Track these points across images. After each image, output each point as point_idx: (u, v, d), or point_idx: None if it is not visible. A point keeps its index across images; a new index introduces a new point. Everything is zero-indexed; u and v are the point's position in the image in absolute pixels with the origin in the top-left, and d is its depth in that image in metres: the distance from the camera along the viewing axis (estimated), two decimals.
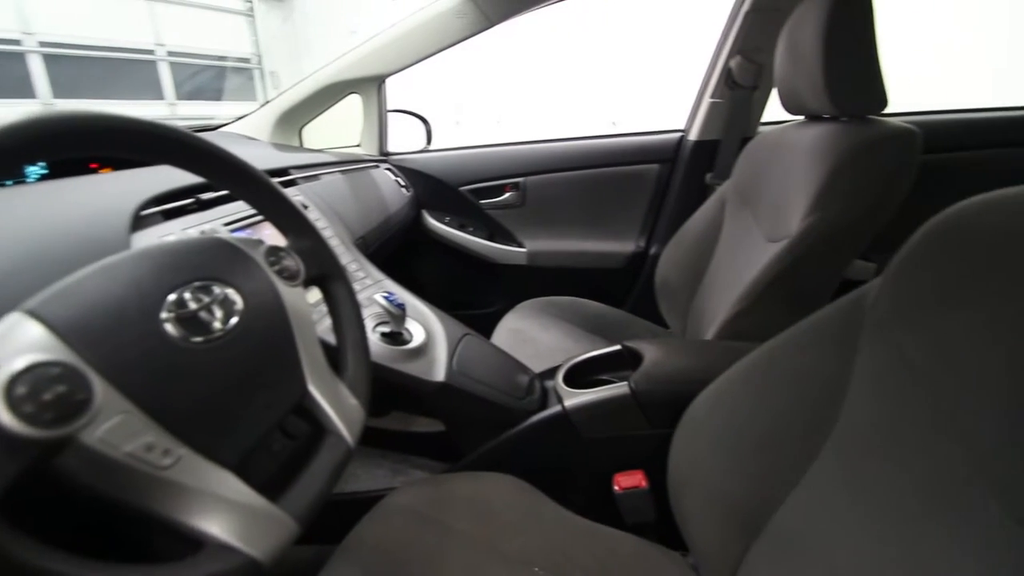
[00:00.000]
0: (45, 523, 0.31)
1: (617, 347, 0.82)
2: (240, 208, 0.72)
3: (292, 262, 0.48)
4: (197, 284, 0.39)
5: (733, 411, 0.55)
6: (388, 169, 1.42)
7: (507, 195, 1.50)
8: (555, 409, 0.75)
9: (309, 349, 0.45)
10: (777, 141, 0.95)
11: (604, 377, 0.79)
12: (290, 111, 1.33)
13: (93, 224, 0.54)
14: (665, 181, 1.44)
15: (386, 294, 0.72)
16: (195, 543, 0.32)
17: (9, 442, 0.26)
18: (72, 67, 5.21)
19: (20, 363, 0.27)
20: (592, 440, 0.74)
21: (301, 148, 1.36)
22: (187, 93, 6.46)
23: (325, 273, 0.52)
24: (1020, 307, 0.34)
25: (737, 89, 1.26)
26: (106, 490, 0.30)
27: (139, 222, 0.59)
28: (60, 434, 0.28)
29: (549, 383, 0.83)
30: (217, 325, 0.38)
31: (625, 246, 1.48)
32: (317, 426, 0.45)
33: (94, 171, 0.69)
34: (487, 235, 1.53)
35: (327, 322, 0.54)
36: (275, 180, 0.52)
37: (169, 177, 0.67)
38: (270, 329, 0.42)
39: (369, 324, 0.75)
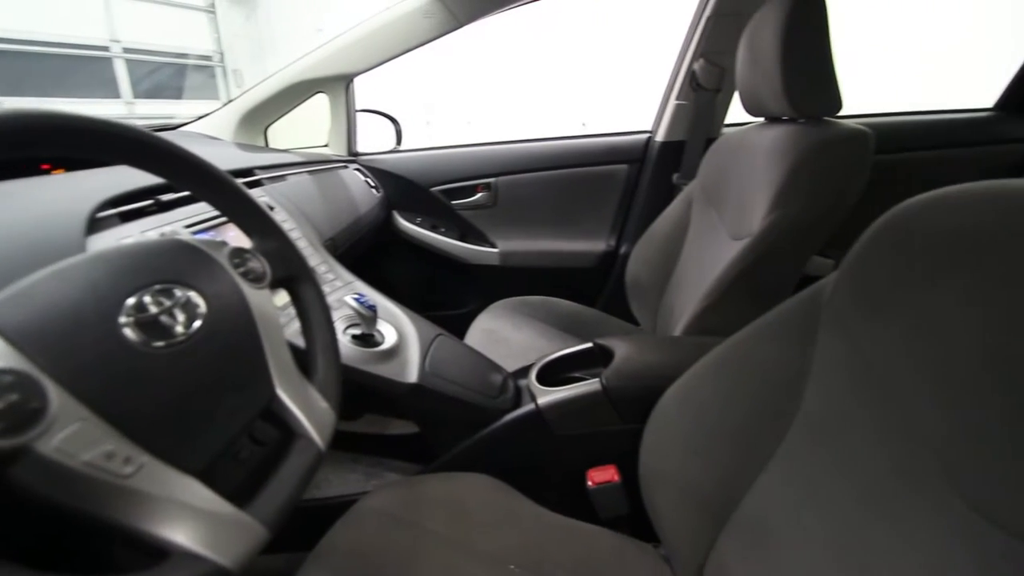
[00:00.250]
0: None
1: (589, 345, 0.83)
2: (203, 209, 0.70)
3: (257, 264, 0.47)
4: (158, 287, 0.38)
5: (700, 404, 0.56)
6: (357, 169, 1.40)
7: (479, 195, 1.50)
8: (528, 407, 0.76)
9: (277, 352, 0.44)
10: (739, 142, 0.98)
11: (576, 375, 0.80)
12: (254, 110, 1.30)
13: (45, 227, 0.52)
14: (634, 181, 1.47)
15: (356, 296, 0.72)
16: (160, 552, 0.31)
17: None
18: (19, 63, 4.95)
19: None
20: (565, 437, 0.75)
21: (266, 148, 1.33)
22: (145, 91, 6.22)
23: (292, 275, 0.51)
24: (960, 299, 0.36)
25: (701, 91, 1.30)
26: (64, 500, 0.29)
27: (95, 225, 0.57)
28: (14, 444, 0.27)
29: (522, 382, 0.83)
30: (179, 329, 0.37)
31: (596, 245, 1.50)
32: (286, 430, 0.44)
33: (46, 172, 0.66)
34: (459, 236, 1.53)
35: (296, 325, 0.53)
36: (239, 181, 0.51)
37: (126, 178, 0.65)
38: (235, 332, 0.41)
39: (340, 326, 0.74)
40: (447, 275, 1.57)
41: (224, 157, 1.07)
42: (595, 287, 1.53)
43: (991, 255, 0.36)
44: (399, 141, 1.55)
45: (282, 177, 1.01)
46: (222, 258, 0.44)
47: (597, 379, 0.74)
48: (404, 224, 1.51)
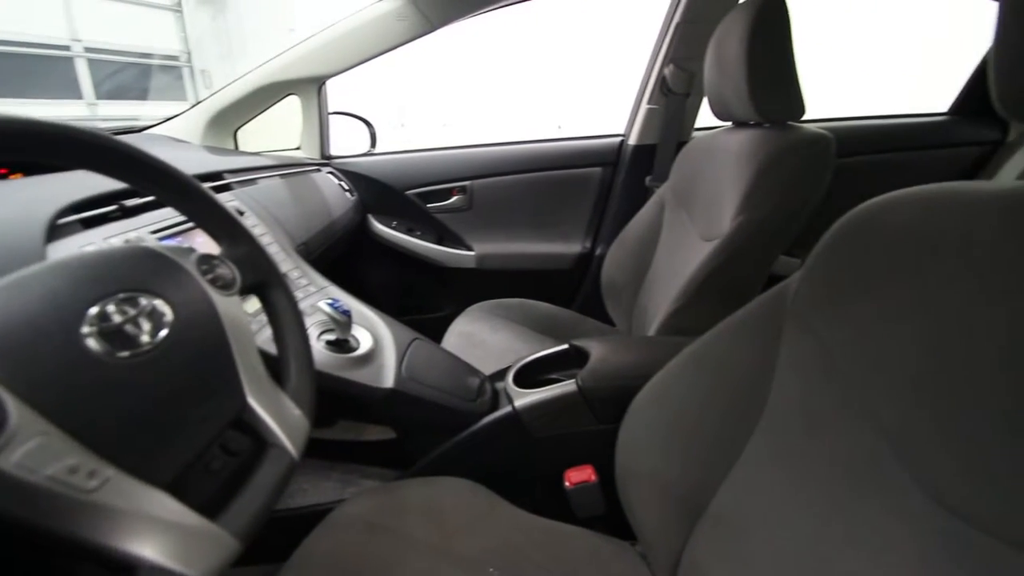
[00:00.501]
0: None
1: (565, 346, 0.84)
2: (170, 215, 0.69)
3: (226, 270, 0.46)
4: (122, 296, 0.37)
5: (672, 402, 0.58)
6: (331, 173, 1.39)
7: (454, 199, 1.50)
8: (505, 410, 0.76)
9: (247, 360, 0.43)
10: (709, 145, 1.00)
11: (553, 376, 0.80)
12: (223, 112, 1.27)
13: (2, 235, 0.50)
14: (608, 184, 1.49)
15: (330, 301, 0.71)
16: (127, 568, 0.31)
17: None
18: None
19: None
20: (542, 438, 0.76)
21: (236, 151, 1.30)
22: (109, 92, 6.02)
23: (263, 281, 0.50)
24: (914, 297, 0.38)
25: (672, 96, 1.32)
26: (26, 517, 0.28)
27: (55, 232, 0.55)
28: None
29: (500, 384, 0.83)
30: (145, 338, 0.36)
31: (572, 247, 1.52)
32: (258, 439, 0.44)
33: (3, 177, 0.64)
34: (435, 239, 1.52)
35: (268, 331, 0.53)
36: (207, 185, 0.50)
37: (89, 183, 0.63)
38: (204, 341, 0.40)
39: (314, 332, 0.73)
40: (423, 279, 1.57)
41: (192, 160, 1.05)
42: (571, 289, 1.54)
43: (941, 255, 0.38)
44: (373, 144, 1.54)
45: (253, 181, 1.00)
46: (189, 265, 0.43)
47: (573, 380, 0.75)
48: (379, 228, 1.50)
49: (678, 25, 1.27)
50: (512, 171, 1.49)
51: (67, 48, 5.59)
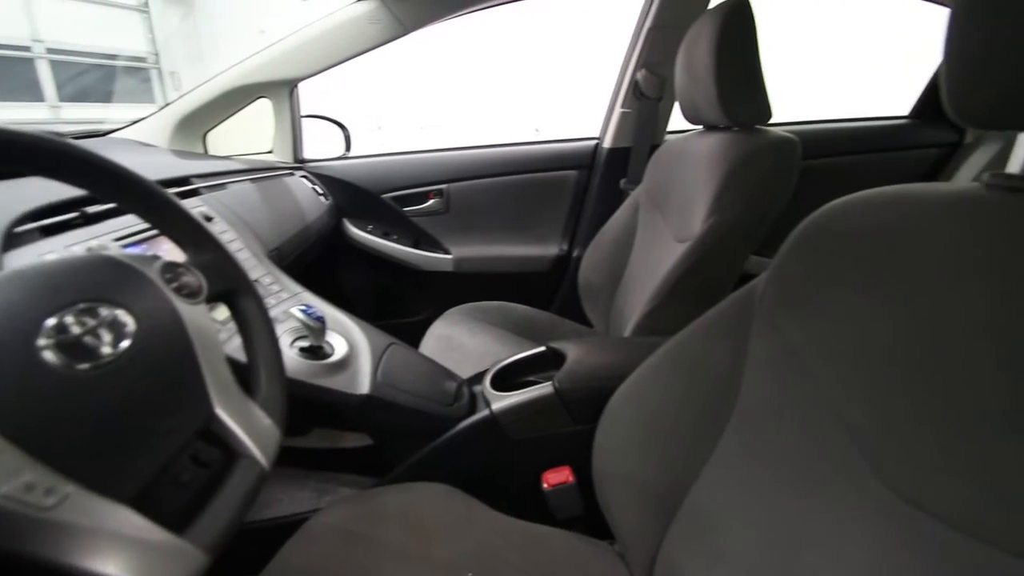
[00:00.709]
0: None
1: (542, 348, 0.85)
2: (135, 221, 0.67)
3: (192, 278, 0.45)
4: (81, 307, 0.36)
5: (646, 401, 0.58)
6: (304, 177, 1.37)
7: (431, 202, 1.50)
8: (483, 413, 0.76)
9: (215, 369, 0.42)
10: (680, 149, 1.02)
11: (531, 378, 0.81)
12: (192, 115, 1.25)
13: None
14: (583, 186, 1.50)
15: (304, 307, 0.70)
16: None
17: None
18: None
19: None
20: (520, 441, 0.76)
21: (205, 155, 1.27)
22: (72, 95, 5.83)
23: (231, 288, 0.49)
24: (873, 294, 0.39)
25: (644, 100, 1.34)
26: None
27: (13, 240, 0.53)
28: None
29: (477, 388, 0.83)
30: (106, 350, 0.35)
31: (549, 250, 1.52)
32: (228, 450, 0.43)
33: None
34: (412, 242, 1.52)
35: (239, 340, 0.52)
36: (174, 190, 0.49)
37: (51, 189, 0.61)
38: (168, 351, 0.39)
39: (287, 339, 0.72)
40: (401, 283, 1.56)
41: (158, 165, 1.02)
42: (549, 291, 1.55)
43: (898, 254, 0.39)
44: (348, 147, 1.52)
45: (222, 186, 0.98)
46: (153, 273, 0.42)
47: (550, 382, 0.75)
48: (355, 232, 1.48)
49: (650, 30, 1.29)
50: (489, 174, 1.49)
51: (28, 49, 5.39)
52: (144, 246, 0.66)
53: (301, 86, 1.35)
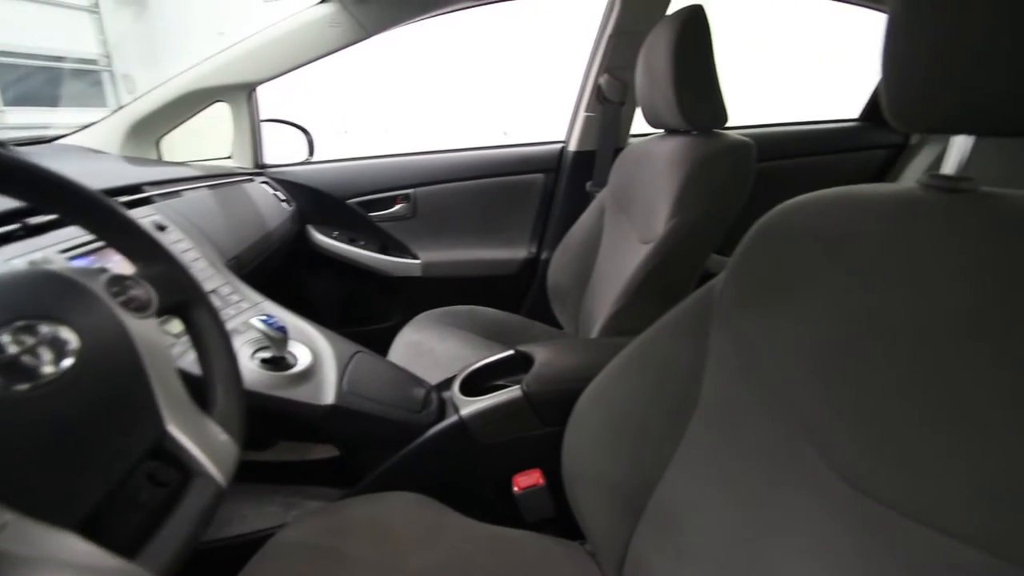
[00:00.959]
0: None
1: (510, 352, 0.85)
2: (82, 232, 0.64)
3: (141, 291, 0.43)
4: (19, 324, 0.34)
5: (612, 402, 0.59)
6: (265, 182, 1.33)
7: (398, 207, 1.48)
8: (452, 419, 0.75)
9: (166, 385, 0.41)
10: (643, 152, 1.04)
11: (500, 382, 0.81)
12: (145, 120, 1.20)
13: None
14: (550, 189, 1.51)
15: (264, 317, 0.68)
16: None
17: None
18: None
19: None
20: (490, 445, 0.76)
21: (159, 161, 1.23)
22: (16, 98, 5.53)
23: (183, 300, 0.48)
24: (825, 293, 0.41)
25: (607, 104, 1.36)
26: None
27: None
28: None
29: (446, 394, 0.83)
30: (47, 369, 0.34)
31: (517, 253, 1.53)
32: (182, 468, 0.41)
33: None
34: (379, 248, 1.50)
35: (194, 354, 0.50)
36: (124, 198, 0.47)
37: None
38: (115, 368, 0.38)
39: (247, 351, 0.70)
40: (368, 289, 1.53)
41: (107, 172, 0.98)
42: (519, 294, 1.56)
43: (845, 253, 0.41)
44: (311, 152, 1.49)
45: (177, 193, 0.94)
46: (98, 287, 0.40)
47: (518, 386, 0.75)
48: (319, 238, 1.45)
49: (611, 36, 1.31)
50: (455, 178, 1.49)
51: None
52: (92, 258, 0.63)
53: (264, 89, 1.32)
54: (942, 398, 0.33)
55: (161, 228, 0.78)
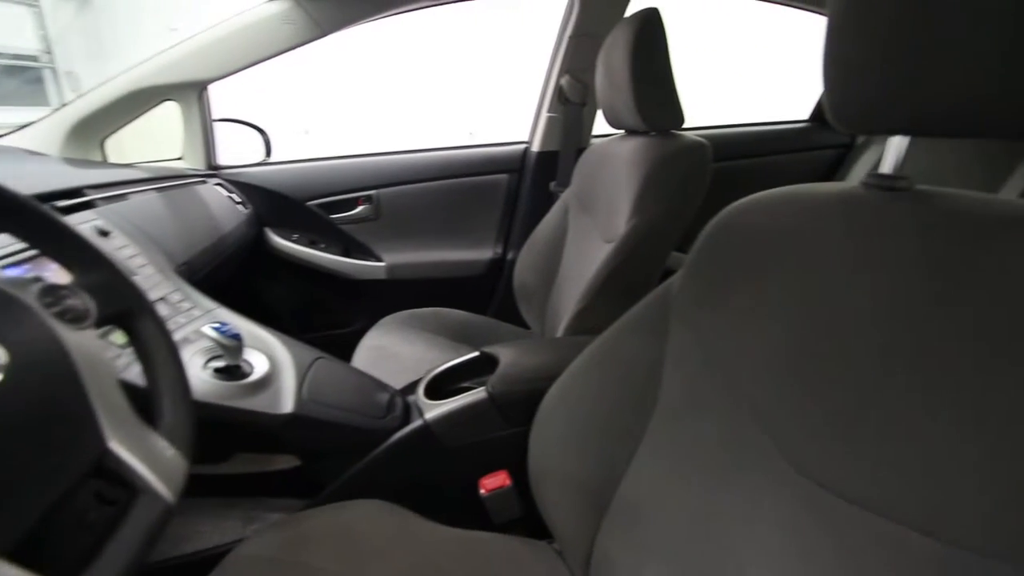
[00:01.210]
0: None
1: (476, 354, 0.84)
2: (14, 240, 0.60)
3: (78, 301, 0.41)
4: None
5: (575, 400, 0.59)
6: (219, 184, 1.28)
7: (360, 208, 1.45)
8: (416, 423, 0.75)
9: (107, 399, 0.39)
10: (605, 152, 1.05)
11: (466, 384, 0.80)
12: (89, 119, 1.14)
13: None
14: (515, 190, 1.51)
15: (217, 324, 0.65)
16: None
17: None
18: None
19: None
20: (455, 448, 0.75)
21: (104, 163, 1.17)
22: None
23: (124, 310, 0.45)
24: (776, 288, 0.42)
25: (569, 105, 1.38)
26: None
27: None
28: None
29: (411, 398, 0.82)
30: None
31: (483, 253, 1.52)
32: (127, 486, 0.39)
33: None
34: (342, 251, 1.46)
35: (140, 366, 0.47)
36: (62, 203, 0.44)
37: None
38: (48, 383, 0.36)
39: (199, 360, 0.67)
40: (332, 293, 1.50)
41: (45, 175, 0.92)
42: (485, 295, 1.55)
43: (793, 250, 0.42)
44: (268, 153, 1.45)
45: (122, 196, 0.90)
46: (29, 298, 0.38)
47: (483, 387, 0.75)
48: (278, 241, 1.41)
49: (571, 38, 1.33)
50: (419, 179, 1.47)
51: None
52: (26, 267, 0.59)
53: (223, 89, 1.27)
54: (884, 388, 0.34)
55: (104, 233, 0.74)
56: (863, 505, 0.33)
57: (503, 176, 1.50)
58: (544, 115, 1.44)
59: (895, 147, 0.40)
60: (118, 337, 0.59)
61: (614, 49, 0.88)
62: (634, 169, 0.88)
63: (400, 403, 0.80)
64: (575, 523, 0.56)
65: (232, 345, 0.65)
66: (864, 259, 0.38)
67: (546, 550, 0.64)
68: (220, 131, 1.37)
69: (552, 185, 1.45)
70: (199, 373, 0.65)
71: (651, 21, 0.84)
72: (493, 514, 0.74)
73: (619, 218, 0.91)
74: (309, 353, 0.80)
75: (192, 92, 1.23)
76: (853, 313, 0.37)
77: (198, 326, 0.69)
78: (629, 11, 1.13)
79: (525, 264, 1.25)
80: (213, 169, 1.36)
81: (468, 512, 0.72)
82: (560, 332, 0.94)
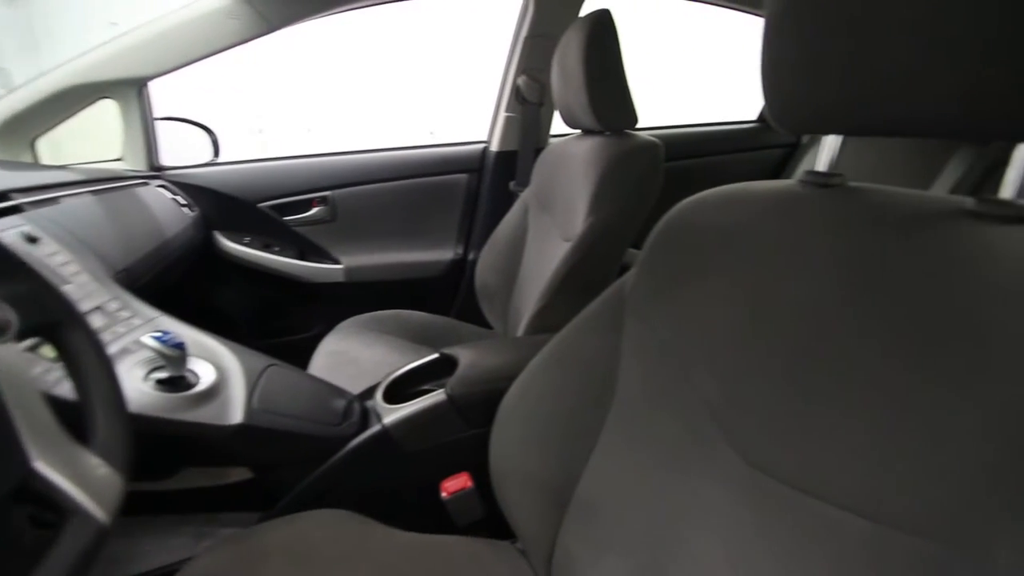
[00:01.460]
0: None
1: (435, 356, 0.83)
2: None
3: None
4: None
5: (535, 399, 0.60)
6: (162, 186, 1.22)
7: (315, 210, 1.41)
8: (374, 429, 0.73)
9: (31, 416, 0.36)
10: (562, 151, 1.06)
11: (426, 387, 0.79)
12: (17, 118, 1.07)
13: None
14: (474, 190, 1.51)
15: (158, 334, 0.62)
16: None
17: None
18: None
19: None
20: (415, 452, 0.74)
21: (33, 165, 1.10)
22: None
23: (50, 321, 0.42)
24: (723, 283, 0.43)
25: (527, 104, 1.38)
26: None
27: None
28: None
29: (369, 403, 0.80)
30: None
31: (444, 254, 1.51)
32: (55, 508, 0.37)
33: None
34: (297, 254, 1.42)
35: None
36: None
37: None
38: None
39: (140, 372, 0.64)
40: (288, 297, 1.45)
41: None
42: (447, 295, 1.54)
43: (737, 245, 0.43)
44: (216, 152, 1.38)
45: (53, 200, 0.84)
46: None
47: (442, 389, 0.74)
48: (228, 245, 1.35)
49: (526, 39, 1.33)
50: (376, 179, 1.44)
51: None
52: None
53: (169, 87, 1.21)
54: (821, 378, 0.36)
55: (32, 240, 0.70)
56: (802, 490, 0.35)
57: (462, 176, 1.49)
58: (502, 115, 1.43)
59: (829, 146, 0.42)
60: (47, 351, 0.56)
61: (568, 50, 0.89)
62: (590, 168, 0.89)
63: (357, 408, 0.78)
64: (537, 522, 0.56)
65: (174, 355, 0.62)
66: (801, 252, 0.39)
67: (509, 550, 0.64)
68: (166, 131, 1.31)
69: (512, 184, 1.45)
70: (139, 385, 0.62)
71: (603, 22, 0.85)
72: (455, 516, 0.73)
73: (577, 216, 0.91)
74: (260, 360, 0.77)
75: (131, 89, 1.17)
76: (789, 306, 0.38)
77: (138, 336, 0.66)
78: (583, 12, 1.15)
79: (486, 264, 1.24)
80: (156, 170, 1.29)
81: (430, 516, 0.71)
82: (521, 331, 0.94)
